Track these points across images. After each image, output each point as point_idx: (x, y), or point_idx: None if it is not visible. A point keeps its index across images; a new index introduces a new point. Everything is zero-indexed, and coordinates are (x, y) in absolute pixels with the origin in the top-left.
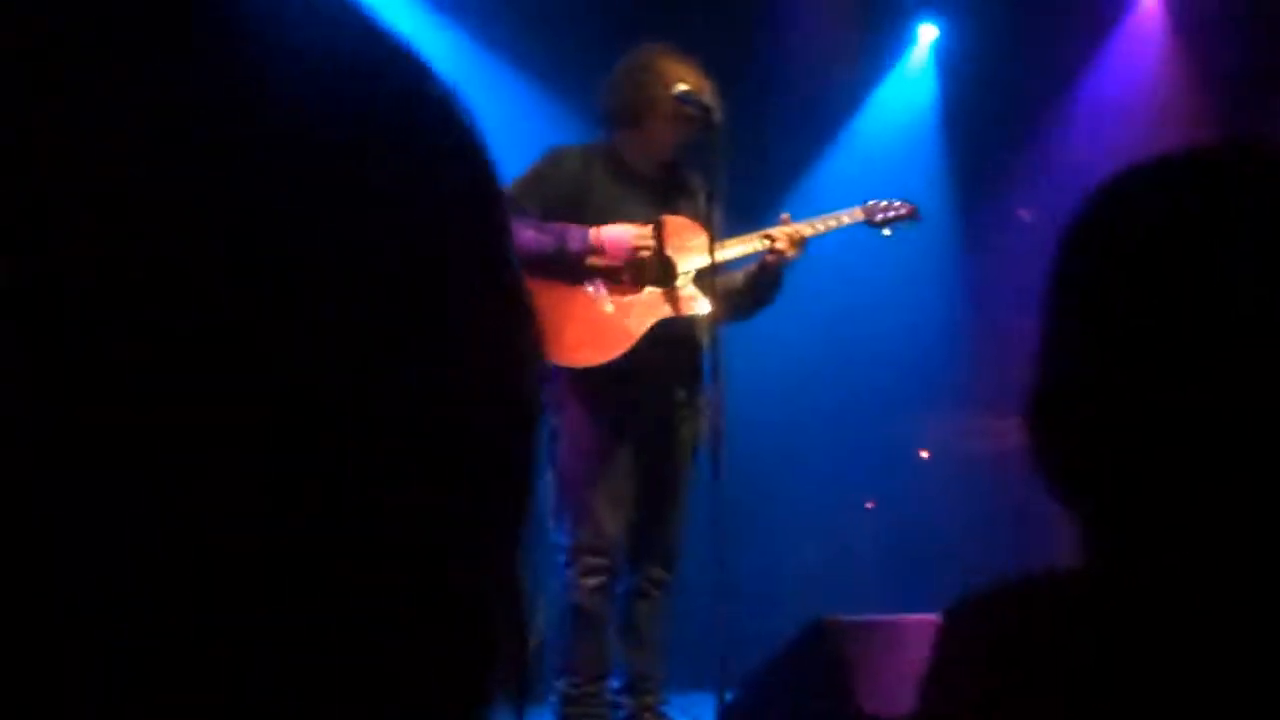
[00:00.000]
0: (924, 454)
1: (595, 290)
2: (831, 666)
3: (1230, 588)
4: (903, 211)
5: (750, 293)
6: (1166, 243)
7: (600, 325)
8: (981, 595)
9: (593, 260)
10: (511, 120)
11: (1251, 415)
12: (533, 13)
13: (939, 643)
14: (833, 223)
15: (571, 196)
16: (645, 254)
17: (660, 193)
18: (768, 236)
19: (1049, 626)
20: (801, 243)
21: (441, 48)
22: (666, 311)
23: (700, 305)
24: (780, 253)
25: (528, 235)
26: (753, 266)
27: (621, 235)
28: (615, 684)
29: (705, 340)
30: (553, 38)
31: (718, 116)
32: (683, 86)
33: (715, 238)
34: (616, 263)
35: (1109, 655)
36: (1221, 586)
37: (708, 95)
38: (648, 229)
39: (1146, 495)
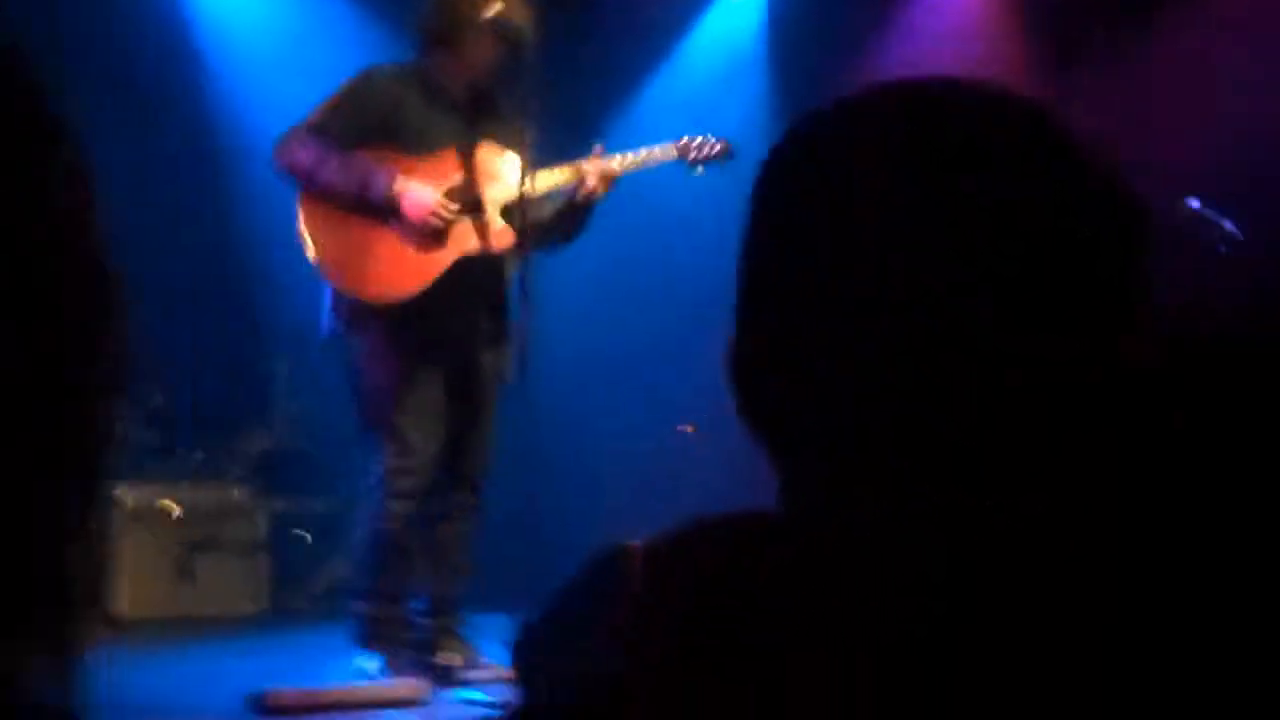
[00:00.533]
0: None
1: (396, 223)
2: (623, 588)
3: (920, 542)
4: (715, 149)
5: (558, 226)
6: (850, 188)
7: (403, 259)
8: (681, 532)
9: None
10: (329, 40)
11: (938, 369)
12: None
13: (640, 578)
14: (645, 158)
15: (383, 120)
16: (438, 223)
17: (472, 117)
18: (578, 171)
19: (743, 571)
20: (612, 180)
21: None
22: (472, 245)
23: (506, 239)
24: (590, 190)
25: (332, 171)
26: (561, 201)
27: (421, 200)
28: (417, 605)
29: (510, 271)
30: None
31: (531, 41)
32: (497, 6)
33: (528, 167)
34: (412, 221)
35: (794, 604)
36: (913, 541)
37: (521, 18)
38: (448, 201)
39: (834, 446)
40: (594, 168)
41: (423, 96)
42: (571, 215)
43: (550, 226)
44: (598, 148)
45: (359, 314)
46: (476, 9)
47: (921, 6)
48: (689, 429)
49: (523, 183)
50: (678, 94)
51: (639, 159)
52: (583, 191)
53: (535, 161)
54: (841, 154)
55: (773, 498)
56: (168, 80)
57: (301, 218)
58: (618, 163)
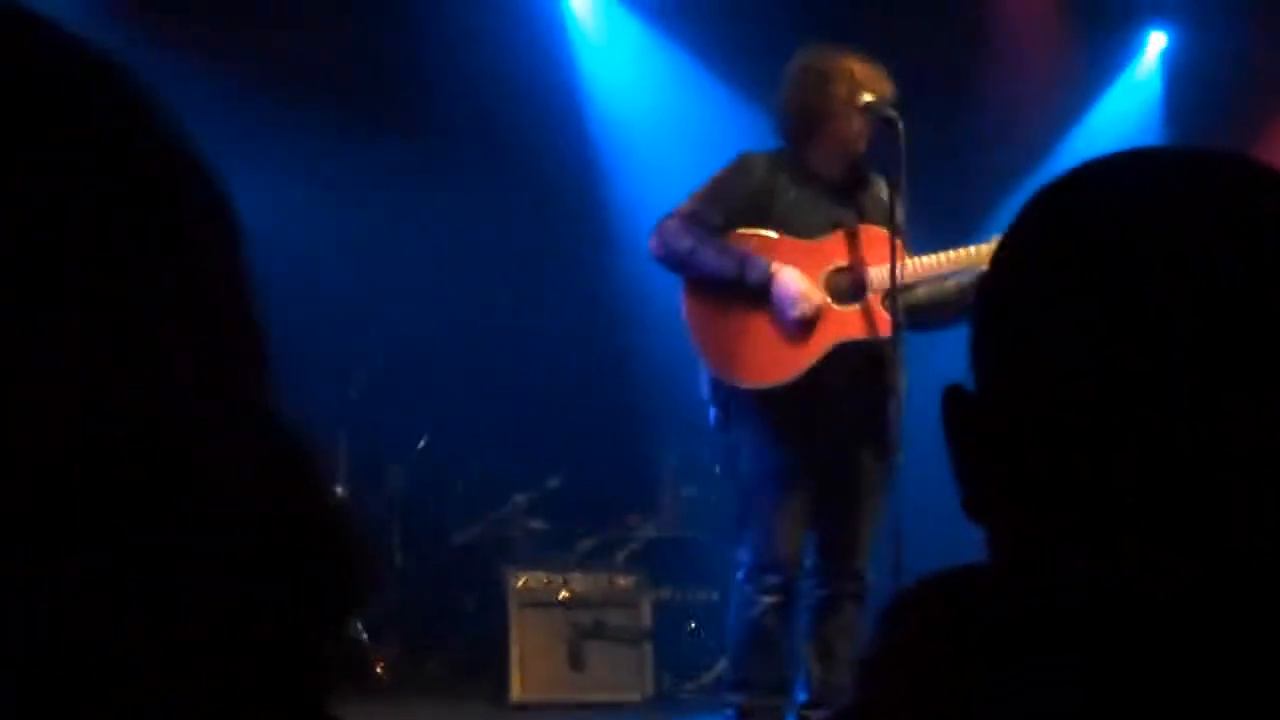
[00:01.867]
0: None
1: (775, 308)
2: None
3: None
4: None
5: (947, 307)
6: (1090, 254)
7: (780, 344)
8: (916, 589)
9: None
10: (709, 124)
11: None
12: (733, 18)
13: (877, 633)
14: None
15: (755, 204)
16: (804, 317)
17: (845, 194)
18: (978, 253)
19: (975, 624)
20: None
21: (643, 53)
22: (851, 332)
23: (887, 326)
24: None
25: (709, 257)
26: (966, 281)
27: (792, 292)
28: (802, 697)
29: (892, 356)
30: (750, 43)
31: (900, 124)
32: (867, 98)
33: (904, 250)
34: (779, 306)
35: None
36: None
37: (890, 98)
38: (818, 296)
39: (1054, 506)
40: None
41: (793, 181)
42: (965, 300)
43: (938, 308)
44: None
45: (736, 403)
46: (842, 91)
47: None
48: None
49: (894, 265)
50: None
51: None
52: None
53: (911, 241)
54: (1089, 220)
55: None
56: (561, 166)
57: (685, 307)
58: None
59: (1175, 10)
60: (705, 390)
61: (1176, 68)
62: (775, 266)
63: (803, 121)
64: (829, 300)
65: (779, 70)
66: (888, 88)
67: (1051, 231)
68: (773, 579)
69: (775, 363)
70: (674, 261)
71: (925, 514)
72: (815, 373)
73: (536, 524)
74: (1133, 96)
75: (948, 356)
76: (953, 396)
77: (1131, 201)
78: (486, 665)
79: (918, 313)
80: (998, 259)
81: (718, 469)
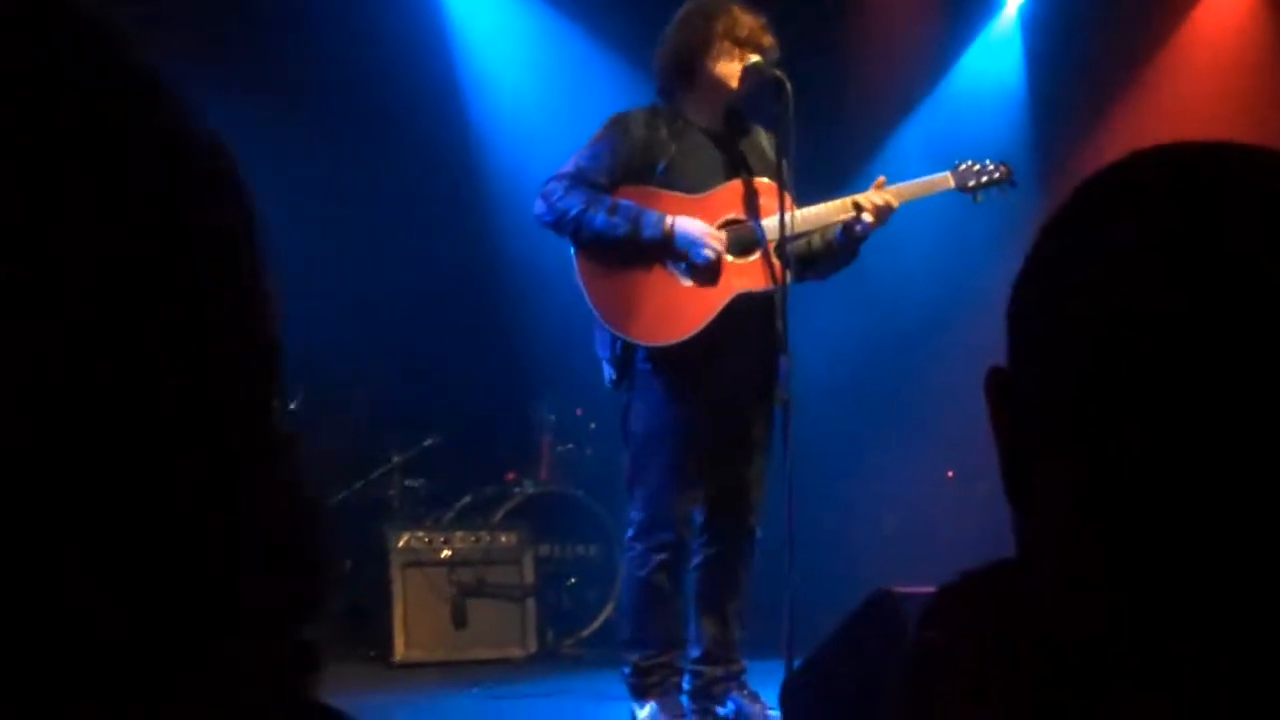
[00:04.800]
0: None
1: (672, 265)
2: (894, 636)
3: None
4: (996, 175)
5: (829, 258)
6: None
7: (677, 301)
8: (946, 590)
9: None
10: (587, 88)
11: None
12: None
13: (915, 637)
14: (923, 188)
15: (639, 161)
16: (710, 255)
17: (727, 143)
18: (856, 205)
19: (1010, 621)
20: (889, 213)
21: (521, 19)
22: (745, 284)
23: (779, 276)
24: (867, 224)
25: (599, 218)
26: (832, 233)
27: (696, 232)
28: (694, 653)
29: (782, 309)
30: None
31: (788, 86)
32: (753, 58)
33: (790, 202)
34: (683, 255)
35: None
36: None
37: (772, 54)
38: (720, 233)
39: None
40: (871, 203)
41: (675, 134)
42: (846, 245)
43: (821, 254)
44: (879, 179)
45: (633, 363)
46: (715, 29)
47: (1183, 40)
48: (950, 474)
49: (782, 218)
50: (937, 130)
51: (916, 189)
52: (859, 224)
53: (795, 194)
54: (1119, 225)
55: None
56: (437, 134)
57: (578, 268)
58: (894, 196)
59: None
60: (602, 349)
61: (1034, 25)
62: (670, 219)
63: (678, 65)
64: (724, 252)
65: (647, 27)
66: (767, 38)
67: (1106, 213)
68: (665, 536)
69: (676, 319)
70: (563, 224)
71: (815, 469)
72: (710, 328)
73: (414, 483)
74: (994, 53)
75: (826, 314)
76: (995, 378)
77: (1185, 186)
78: (368, 626)
79: (811, 262)
80: (1042, 243)
81: (592, 425)
